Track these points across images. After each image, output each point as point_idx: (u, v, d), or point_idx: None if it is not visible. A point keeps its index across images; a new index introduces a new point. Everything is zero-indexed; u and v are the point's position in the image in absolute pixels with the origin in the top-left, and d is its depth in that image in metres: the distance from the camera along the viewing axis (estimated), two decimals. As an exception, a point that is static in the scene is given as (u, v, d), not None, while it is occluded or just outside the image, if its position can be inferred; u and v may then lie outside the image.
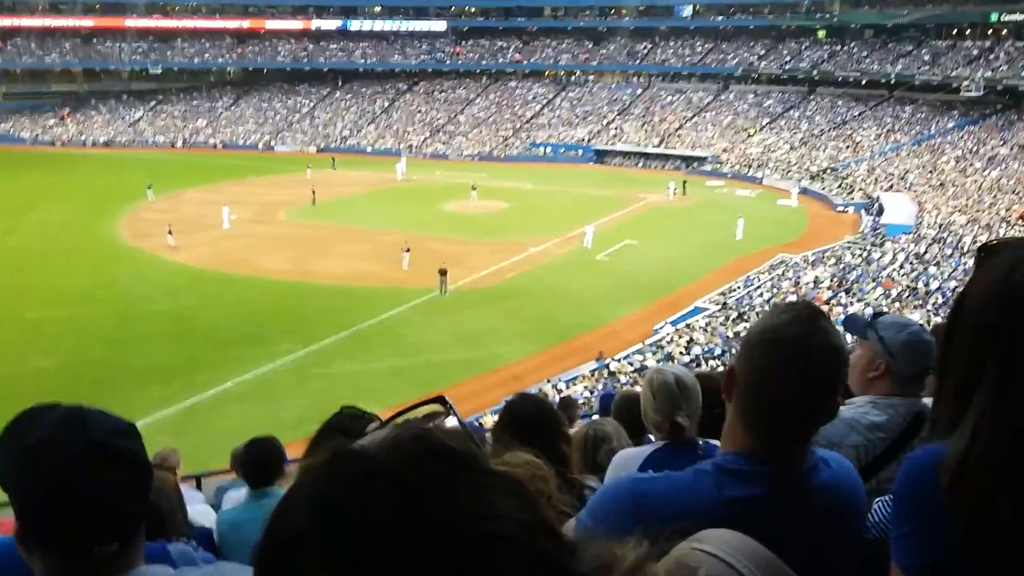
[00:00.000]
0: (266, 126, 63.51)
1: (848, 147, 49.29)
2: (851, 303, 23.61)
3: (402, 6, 69.30)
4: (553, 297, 25.93)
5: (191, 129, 62.80)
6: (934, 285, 24.58)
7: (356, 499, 0.56)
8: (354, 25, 69.17)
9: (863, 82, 54.58)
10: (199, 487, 6.43)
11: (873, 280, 26.01)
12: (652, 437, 2.87)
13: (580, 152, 56.37)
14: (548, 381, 19.10)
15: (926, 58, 52.93)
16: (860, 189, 42.24)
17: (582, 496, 2.28)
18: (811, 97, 56.96)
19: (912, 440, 2.01)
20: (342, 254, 30.48)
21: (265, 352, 20.79)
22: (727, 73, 61.39)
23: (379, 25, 69.61)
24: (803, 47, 59.93)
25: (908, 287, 24.96)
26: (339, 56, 69.05)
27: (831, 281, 26.33)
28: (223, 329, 22.63)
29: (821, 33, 59.69)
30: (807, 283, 26.35)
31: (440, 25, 69.57)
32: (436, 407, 0.82)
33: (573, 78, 66.72)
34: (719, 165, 51.17)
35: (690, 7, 64.69)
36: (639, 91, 63.37)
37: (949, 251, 28.47)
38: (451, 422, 0.80)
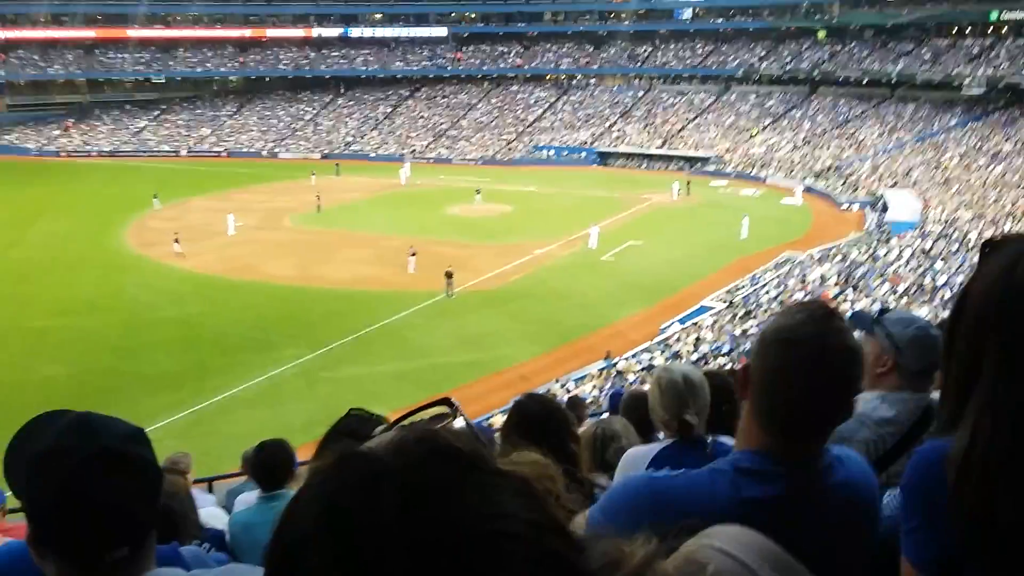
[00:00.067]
0: (270, 133, 63.67)
1: (851, 145, 49.21)
2: (858, 299, 23.55)
3: (403, 13, 69.53)
4: (557, 299, 25.93)
5: (195, 137, 62.95)
6: (941, 280, 24.50)
7: (362, 501, 0.56)
8: (355, 32, 69.37)
9: (864, 81, 54.48)
10: (211, 490, 6.45)
11: (880, 276, 25.95)
12: (661, 435, 2.87)
13: (583, 155, 56.33)
14: (557, 381, 19.16)
15: (927, 57, 52.85)
16: (864, 187, 42.14)
17: (592, 495, 2.28)
18: (813, 97, 56.88)
19: (922, 434, 2.01)
20: (347, 259, 30.54)
21: (272, 357, 20.87)
22: (728, 75, 61.36)
23: (380, 32, 69.85)
24: (803, 48, 59.87)
25: (915, 283, 24.90)
26: (341, 63, 69.20)
27: (838, 278, 26.27)
28: (230, 335, 22.71)
29: (821, 34, 59.58)
30: (813, 280, 26.30)
31: (441, 31, 69.75)
32: (443, 409, 0.83)
33: (574, 81, 66.77)
34: (722, 165, 51.12)
35: (690, 10, 64.76)
36: (640, 93, 63.36)
37: (955, 246, 28.35)
38: (459, 423, 0.80)
